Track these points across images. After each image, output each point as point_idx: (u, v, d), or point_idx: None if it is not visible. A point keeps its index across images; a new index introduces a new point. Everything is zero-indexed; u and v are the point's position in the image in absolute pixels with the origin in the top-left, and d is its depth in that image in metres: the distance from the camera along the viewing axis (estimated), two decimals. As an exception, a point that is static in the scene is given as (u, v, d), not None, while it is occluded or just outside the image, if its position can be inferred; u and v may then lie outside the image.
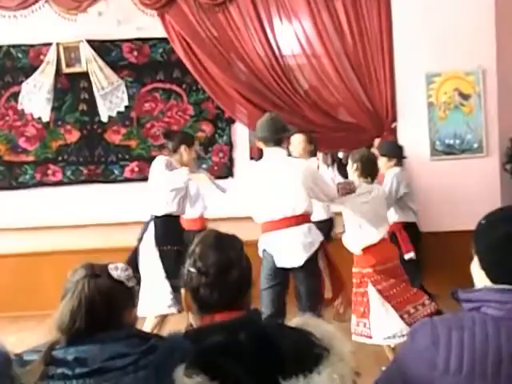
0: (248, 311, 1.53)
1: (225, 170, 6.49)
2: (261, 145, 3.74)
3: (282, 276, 3.61)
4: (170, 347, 1.45)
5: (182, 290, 1.55)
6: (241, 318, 1.50)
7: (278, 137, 3.68)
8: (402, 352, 1.51)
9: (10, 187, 6.54)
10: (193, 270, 1.50)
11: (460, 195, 5.53)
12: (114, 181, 6.45)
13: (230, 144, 6.69)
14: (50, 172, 6.54)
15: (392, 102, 5.57)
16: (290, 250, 3.56)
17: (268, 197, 3.59)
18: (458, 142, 5.64)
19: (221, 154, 6.56)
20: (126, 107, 6.47)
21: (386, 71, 5.51)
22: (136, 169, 6.50)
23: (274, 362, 1.42)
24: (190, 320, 1.58)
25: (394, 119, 5.61)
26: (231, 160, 6.66)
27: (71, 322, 1.40)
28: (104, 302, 1.44)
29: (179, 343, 1.46)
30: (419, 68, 5.54)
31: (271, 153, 3.67)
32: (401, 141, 5.59)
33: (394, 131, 5.62)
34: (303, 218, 3.63)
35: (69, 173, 6.49)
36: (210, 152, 6.50)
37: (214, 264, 1.48)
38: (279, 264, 3.59)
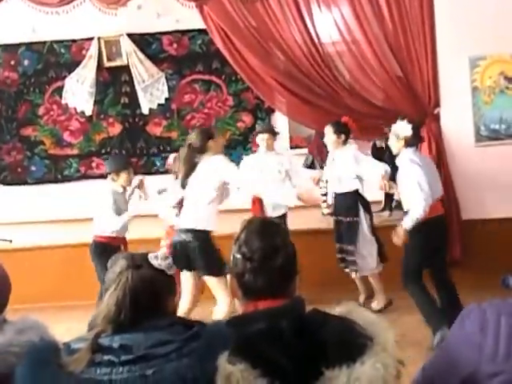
0: (291, 299, 1.53)
1: (265, 160, 6.47)
2: None
3: None
4: (212, 334, 1.46)
5: (228, 276, 1.56)
6: (283, 306, 1.49)
7: None
8: (449, 338, 1.49)
9: (56, 180, 6.70)
10: (238, 255, 1.51)
11: (506, 181, 5.38)
12: (156, 172, 6.53)
13: (270, 134, 6.68)
14: (94, 165, 6.67)
15: (434, 87, 5.45)
16: None
17: None
18: (503, 126, 5.48)
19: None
20: (167, 99, 6.54)
21: (427, 55, 5.38)
22: (177, 160, 6.56)
23: (317, 350, 1.41)
24: (236, 306, 1.59)
25: (437, 105, 5.49)
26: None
27: (117, 313, 1.43)
28: (147, 292, 1.46)
29: (222, 330, 1.47)
30: (463, 51, 5.39)
31: None
32: (444, 127, 5.47)
33: (436, 117, 5.50)
34: None
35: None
36: (250, 142, 6.50)
37: (259, 249, 1.49)
38: None
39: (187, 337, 1.43)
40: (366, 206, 5.04)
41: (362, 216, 4.99)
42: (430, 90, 5.44)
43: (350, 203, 5.00)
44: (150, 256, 1.51)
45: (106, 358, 1.39)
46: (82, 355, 1.39)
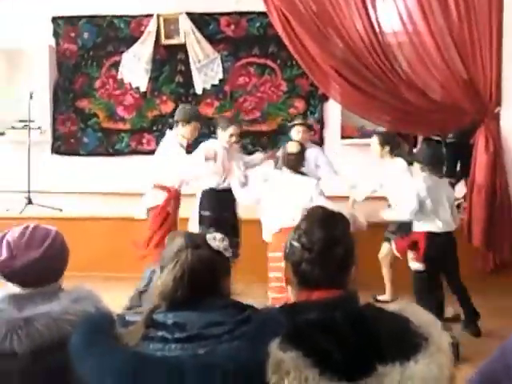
0: (346, 291, 1.51)
1: (315, 148, 6.42)
2: None
3: None
4: (264, 320, 1.46)
5: (283, 263, 1.55)
6: (337, 298, 1.48)
7: None
8: (507, 342, 1.44)
9: (107, 153, 6.82)
10: (297, 244, 1.49)
11: None
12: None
13: (321, 122, 6.62)
14: (144, 141, 6.75)
15: (497, 85, 5.26)
16: None
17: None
18: None
19: (311, 132, 6.50)
20: (221, 80, 6.54)
21: (492, 51, 5.18)
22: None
23: (370, 345, 1.39)
24: (289, 294, 1.58)
25: (498, 103, 5.31)
26: (322, 139, 6.60)
27: (173, 291, 1.44)
28: (205, 272, 1.46)
29: (274, 316, 1.46)
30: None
31: None
32: (504, 126, 5.30)
33: (496, 116, 5.33)
34: None
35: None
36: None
37: (319, 240, 1.47)
38: None
39: (239, 319, 1.43)
40: None
41: None
42: (491, 88, 5.25)
43: None
44: (209, 237, 1.51)
45: (159, 333, 1.40)
46: (137, 329, 1.40)
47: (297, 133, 5.23)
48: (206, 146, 4.79)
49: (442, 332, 1.48)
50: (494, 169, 5.23)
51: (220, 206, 4.77)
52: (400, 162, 4.73)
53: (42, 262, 1.71)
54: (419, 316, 1.52)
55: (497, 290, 4.88)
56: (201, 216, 4.77)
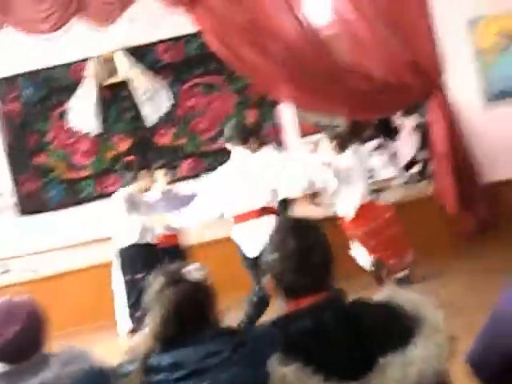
0: (332, 291, 1.52)
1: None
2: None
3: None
4: (259, 338, 1.46)
5: (265, 278, 1.56)
6: (324, 301, 1.49)
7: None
8: (497, 306, 1.47)
9: (75, 203, 6.74)
10: (275, 257, 1.50)
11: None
12: (173, 181, 6.54)
13: (277, 126, 6.67)
14: (110, 182, 6.69)
15: (436, 55, 5.37)
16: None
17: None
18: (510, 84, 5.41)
19: (269, 138, 6.54)
20: (171, 107, 6.54)
21: (425, 23, 5.28)
22: (190, 166, 6.59)
23: (366, 339, 1.40)
24: (278, 306, 1.58)
25: (442, 72, 5.41)
26: (281, 142, 6.64)
27: (163, 331, 1.43)
28: (191, 306, 1.46)
29: (268, 333, 1.47)
30: (460, 14, 5.31)
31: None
32: (452, 93, 5.41)
33: (442, 86, 5.43)
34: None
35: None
36: (258, 138, 6.48)
37: (296, 249, 1.48)
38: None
39: (235, 344, 1.43)
40: None
41: None
42: (432, 58, 5.36)
43: None
44: (185, 271, 1.51)
45: (158, 377, 1.39)
46: (135, 377, 1.39)
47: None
48: None
49: (433, 310, 1.50)
50: (452, 135, 5.33)
51: None
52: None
53: (20, 338, 1.69)
54: (407, 299, 1.54)
55: (480, 252, 4.97)
56: None
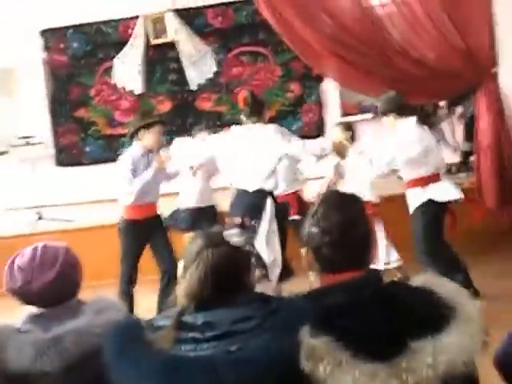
0: (368, 271, 1.51)
1: (315, 130, 6.42)
2: None
3: None
4: (292, 308, 1.46)
5: (303, 249, 1.56)
6: (362, 278, 1.48)
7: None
8: None
9: (111, 160, 6.81)
10: (316, 229, 1.50)
11: None
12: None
13: (319, 103, 6.61)
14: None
15: (491, 46, 5.22)
16: None
17: None
18: None
19: (310, 114, 6.49)
20: (215, 74, 6.52)
21: (484, 12, 5.14)
22: (228, 134, 6.57)
23: (400, 321, 1.40)
24: (311, 279, 1.59)
25: (495, 63, 5.27)
26: (321, 119, 6.58)
27: (199, 291, 1.44)
28: (228, 270, 1.47)
29: (300, 304, 1.47)
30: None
31: None
32: (503, 86, 5.26)
33: (494, 76, 5.29)
34: None
35: (164, 142, 6.66)
36: (299, 113, 6.44)
37: (338, 223, 1.48)
38: None
39: (267, 312, 1.44)
40: None
41: None
42: (486, 48, 5.21)
43: None
44: (226, 234, 1.51)
45: (190, 335, 1.41)
46: (168, 333, 1.41)
47: None
48: None
49: (469, 300, 1.48)
50: (498, 129, 5.20)
51: None
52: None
53: (58, 281, 1.71)
54: (444, 287, 1.52)
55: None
56: None
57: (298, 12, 5.37)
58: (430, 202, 4.17)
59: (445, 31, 5.21)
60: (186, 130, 6.63)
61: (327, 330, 1.36)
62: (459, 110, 6.15)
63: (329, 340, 1.35)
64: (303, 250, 1.58)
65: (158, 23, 6.51)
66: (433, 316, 1.41)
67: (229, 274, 1.47)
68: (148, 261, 4.64)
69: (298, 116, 6.49)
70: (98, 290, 2.06)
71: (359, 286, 1.45)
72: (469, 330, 1.40)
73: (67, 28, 6.67)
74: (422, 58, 5.36)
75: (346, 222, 1.48)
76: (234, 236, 1.53)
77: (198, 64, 6.49)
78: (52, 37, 6.71)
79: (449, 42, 5.24)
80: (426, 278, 1.56)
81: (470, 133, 5.54)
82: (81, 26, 6.64)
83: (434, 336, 1.37)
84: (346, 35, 5.37)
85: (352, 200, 1.57)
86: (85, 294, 1.85)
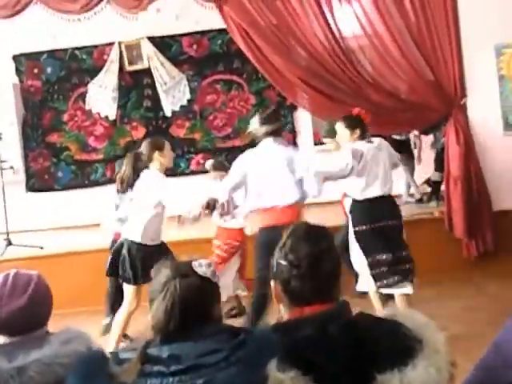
0: (337, 303, 1.51)
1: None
2: None
3: None
4: (259, 341, 1.45)
5: (272, 282, 1.55)
6: (330, 311, 1.48)
7: None
8: (502, 336, 1.45)
9: (83, 185, 6.77)
10: (284, 262, 1.49)
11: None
12: (182, 174, 6.55)
13: (294, 131, 6.67)
14: (119, 169, 6.70)
15: (460, 77, 5.36)
16: None
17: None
18: (532, 114, 5.38)
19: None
20: (189, 101, 6.55)
21: (452, 45, 5.29)
22: (201, 161, 6.58)
23: (367, 354, 1.39)
24: (281, 312, 1.58)
25: (464, 95, 5.40)
26: (296, 147, 6.62)
27: (165, 323, 1.42)
28: (195, 301, 1.45)
29: (268, 337, 1.46)
30: (488, 40, 5.29)
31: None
32: (471, 117, 5.39)
33: (463, 107, 5.42)
34: None
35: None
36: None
37: (306, 256, 1.47)
38: None
39: (234, 344, 1.42)
40: None
41: None
42: (455, 80, 5.35)
43: None
44: (195, 264, 1.50)
45: (155, 368, 1.38)
46: (132, 366, 1.38)
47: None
48: None
49: (436, 332, 1.49)
50: (467, 159, 5.31)
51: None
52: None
53: (28, 310, 1.68)
54: (412, 319, 1.52)
55: (482, 276, 4.96)
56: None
57: (270, 42, 5.46)
58: None
59: (415, 63, 5.35)
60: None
61: (294, 363, 1.35)
62: (431, 139, 6.27)
63: (296, 374, 1.34)
64: (272, 283, 1.57)
65: (133, 50, 6.53)
66: (400, 349, 1.41)
67: (196, 306, 1.45)
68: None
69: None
70: (67, 319, 2.02)
71: (327, 319, 1.44)
72: (436, 362, 1.40)
73: (40, 53, 6.64)
74: (393, 89, 5.48)
75: (313, 255, 1.48)
76: (202, 266, 1.51)
77: (173, 91, 6.52)
78: (25, 62, 6.67)
79: (419, 74, 5.37)
80: (394, 310, 1.57)
81: (440, 163, 5.64)
82: (55, 51, 6.62)
83: (401, 369, 1.37)
84: (318, 66, 5.46)
85: (320, 232, 1.57)
86: (54, 322, 1.82)
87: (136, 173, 4.28)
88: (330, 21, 5.43)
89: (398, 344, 1.42)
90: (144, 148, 4.21)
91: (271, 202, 3.95)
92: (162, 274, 1.49)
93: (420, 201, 6.22)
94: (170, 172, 6.40)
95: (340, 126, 4.26)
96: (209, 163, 5.11)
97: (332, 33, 5.43)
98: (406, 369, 1.37)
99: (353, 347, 1.39)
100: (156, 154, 4.14)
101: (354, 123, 4.17)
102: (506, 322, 1.46)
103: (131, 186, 4.32)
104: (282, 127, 4.41)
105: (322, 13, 5.41)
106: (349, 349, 1.38)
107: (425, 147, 6.38)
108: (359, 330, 1.43)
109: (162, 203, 4.09)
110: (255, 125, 4.14)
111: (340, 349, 1.38)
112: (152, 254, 4.00)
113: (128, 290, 4.14)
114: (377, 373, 1.35)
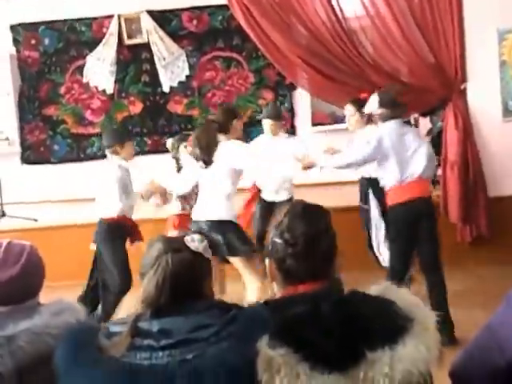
0: (330, 281, 1.51)
1: (287, 137, 6.42)
2: None
3: None
4: (250, 318, 1.44)
5: (266, 260, 1.54)
6: (322, 289, 1.48)
7: None
8: (496, 318, 1.45)
9: (79, 159, 6.72)
10: (279, 241, 1.49)
11: (535, 157, 5.28)
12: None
13: (292, 111, 6.62)
14: (116, 143, 6.66)
15: (461, 61, 5.32)
16: None
17: None
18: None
19: (282, 122, 6.48)
20: (187, 77, 6.49)
21: (454, 29, 5.24)
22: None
23: (358, 332, 1.39)
24: (274, 290, 1.57)
25: (464, 79, 5.37)
26: (293, 127, 6.60)
27: (156, 297, 1.41)
28: (187, 276, 1.44)
29: (260, 314, 1.45)
30: (491, 24, 5.25)
31: None
32: (471, 102, 5.36)
33: (463, 92, 5.39)
34: None
35: (133, 144, 6.59)
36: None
37: (303, 235, 1.47)
38: None
39: (225, 320, 1.42)
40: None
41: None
42: (456, 64, 5.32)
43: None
44: (187, 239, 1.49)
45: (145, 342, 1.37)
46: (122, 339, 1.38)
47: (265, 126, 5.22)
48: None
49: (426, 311, 1.49)
50: (465, 144, 5.30)
51: None
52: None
53: (20, 280, 1.68)
54: (402, 298, 1.52)
55: (475, 261, 4.99)
56: None
57: (271, 20, 5.40)
58: None
59: (416, 46, 5.30)
60: (156, 133, 6.60)
61: (285, 341, 1.35)
62: (426, 128, 6.23)
63: (287, 351, 1.34)
64: (266, 260, 1.56)
65: (132, 23, 6.45)
66: (390, 327, 1.41)
67: (188, 281, 1.44)
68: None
69: (270, 123, 6.48)
70: (59, 291, 2.02)
71: (319, 297, 1.43)
72: (426, 340, 1.40)
73: (38, 24, 6.55)
74: (393, 71, 5.43)
75: (310, 234, 1.47)
76: (195, 241, 1.50)
77: (171, 66, 6.45)
78: (22, 32, 6.59)
79: (421, 57, 5.33)
80: (385, 288, 1.56)
81: (437, 147, 5.61)
82: (53, 22, 6.53)
83: (392, 346, 1.37)
84: (319, 46, 5.41)
85: (317, 211, 1.56)
86: (45, 294, 1.81)
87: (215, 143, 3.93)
88: (333, 0, 5.36)
89: (390, 322, 1.42)
90: (221, 115, 4.01)
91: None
92: (154, 248, 1.49)
93: None
94: (165, 149, 6.43)
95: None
96: (169, 143, 5.08)
97: (334, 12, 5.37)
98: (397, 347, 1.37)
99: (344, 324, 1.39)
100: (234, 122, 3.96)
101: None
102: (499, 306, 1.46)
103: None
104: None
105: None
106: (340, 326, 1.38)
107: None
108: (351, 307, 1.43)
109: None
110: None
111: (331, 327, 1.38)
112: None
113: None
114: (368, 350, 1.35)
